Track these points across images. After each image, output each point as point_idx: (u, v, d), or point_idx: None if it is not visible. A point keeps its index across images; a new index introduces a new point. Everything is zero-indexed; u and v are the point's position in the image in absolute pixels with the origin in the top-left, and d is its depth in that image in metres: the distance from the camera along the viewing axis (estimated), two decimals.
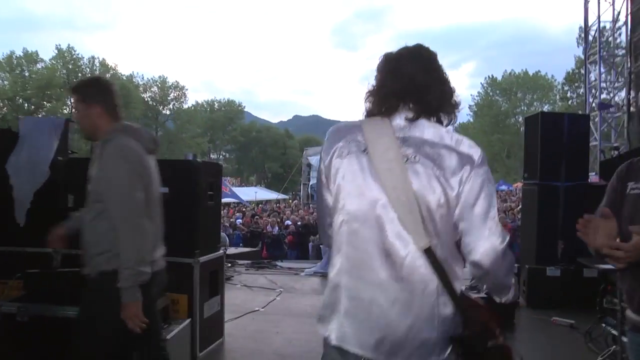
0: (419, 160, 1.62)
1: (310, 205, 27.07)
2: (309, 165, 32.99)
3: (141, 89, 63.64)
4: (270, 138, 73.30)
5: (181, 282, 4.29)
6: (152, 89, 65.06)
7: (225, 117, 72.10)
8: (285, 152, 71.20)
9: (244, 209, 27.99)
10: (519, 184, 45.27)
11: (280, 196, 45.52)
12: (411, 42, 1.81)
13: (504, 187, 45.48)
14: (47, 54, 59.48)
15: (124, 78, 60.62)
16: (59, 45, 57.16)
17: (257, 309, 5.93)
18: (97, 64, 59.16)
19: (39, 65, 55.46)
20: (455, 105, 1.77)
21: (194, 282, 4.26)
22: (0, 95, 51.13)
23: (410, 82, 1.70)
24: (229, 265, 8.48)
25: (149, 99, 64.64)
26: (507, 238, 1.67)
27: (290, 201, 39.79)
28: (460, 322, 1.64)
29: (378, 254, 1.63)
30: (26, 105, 54.00)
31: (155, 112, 65.36)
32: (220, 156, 77.90)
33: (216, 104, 73.66)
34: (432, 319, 1.60)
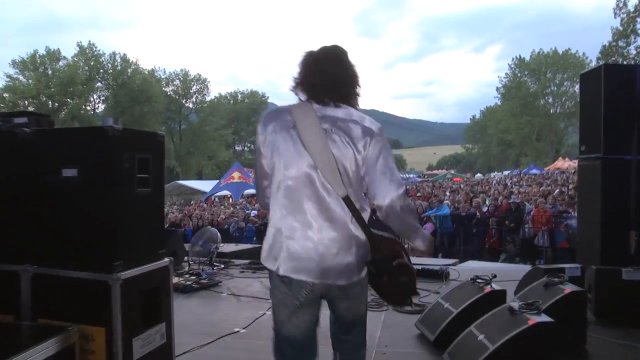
0: (335, 132, 2.21)
1: None
2: None
3: (163, 82, 62.88)
4: None
5: (96, 308, 2.90)
6: (174, 83, 64.38)
7: (249, 108, 71.03)
8: None
9: None
10: (551, 167, 43.38)
11: None
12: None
13: (535, 171, 43.30)
14: (69, 52, 59.47)
15: (146, 72, 59.87)
16: (80, 42, 56.68)
17: (235, 329, 4.48)
18: (119, 60, 58.58)
19: (61, 63, 55.41)
20: (358, 94, 2.35)
21: (113, 309, 2.84)
22: (25, 93, 51.21)
23: (328, 76, 2.27)
24: (222, 266, 7.07)
25: (171, 93, 63.90)
26: (404, 187, 2.29)
27: None
28: (371, 250, 2.23)
29: (310, 202, 2.19)
30: (50, 102, 53.83)
31: (178, 106, 64.65)
32: (246, 147, 76.98)
33: (239, 96, 72.61)
34: (351, 248, 2.20)
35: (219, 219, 16.78)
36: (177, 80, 64.43)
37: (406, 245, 2.62)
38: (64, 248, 3.03)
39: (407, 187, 27.92)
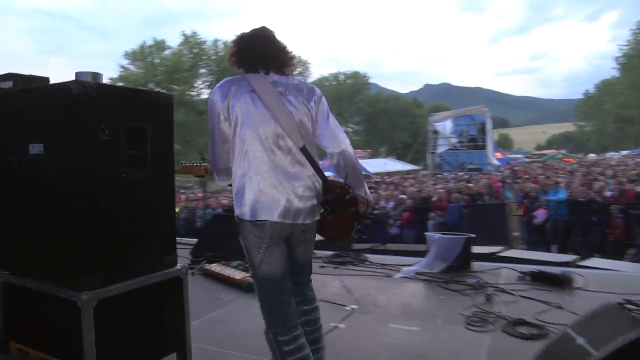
0: (289, 93, 2.54)
1: (437, 176, 24.11)
2: (435, 132, 29.82)
3: None
4: (399, 107, 70.12)
5: (64, 337, 2.11)
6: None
7: (351, 89, 69.97)
8: (414, 121, 67.76)
9: (369, 181, 25.67)
10: None
11: (411, 167, 42.96)
12: None
13: None
14: (175, 42, 61.81)
15: None
16: (184, 31, 58.62)
17: None
18: (221, 46, 59.75)
19: (167, 52, 57.56)
20: (294, 64, 2.72)
21: (84, 340, 2.00)
22: (134, 82, 54.06)
23: (269, 51, 2.59)
24: None
25: None
26: (348, 139, 2.70)
27: (421, 171, 36.81)
28: (326, 191, 2.56)
29: (274, 154, 2.45)
30: (157, 89, 56.02)
31: None
32: (349, 128, 76.35)
33: (341, 77, 71.75)
34: (313, 190, 2.52)
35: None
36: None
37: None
38: (34, 250, 2.25)
39: (515, 168, 25.78)
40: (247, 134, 2.44)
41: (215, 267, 5.57)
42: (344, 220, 2.62)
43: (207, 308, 4.52)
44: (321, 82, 67.73)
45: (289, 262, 2.57)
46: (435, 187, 15.30)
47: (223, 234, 6.39)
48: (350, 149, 2.63)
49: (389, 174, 35.55)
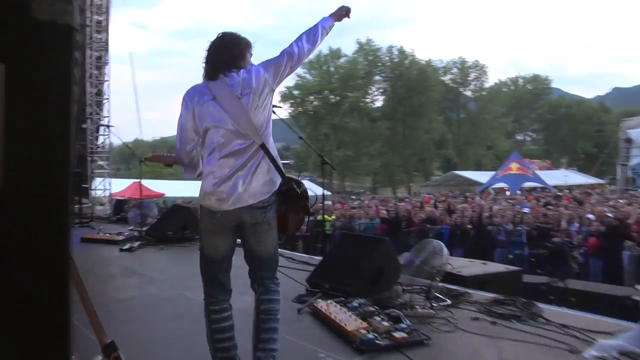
0: (244, 94, 2.80)
1: (630, 192, 20.35)
2: (629, 141, 25.22)
3: (440, 71, 61.08)
4: (582, 113, 63.09)
5: None
6: (451, 71, 62.03)
7: (531, 94, 64.70)
8: (601, 129, 60.41)
9: (546, 195, 22.66)
10: None
11: (595, 180, 38.09)
12: None
13: None
14: (350, 50, 62.53)
15: (422, 63, 58.95)
16: (359, 39, 58.85)
17: None
18: (395, 52, 58.89)
19: (342, 60, 58.18)
20: (246, 54, 2.95)
21: None
22: (309, 89, 55.57)
23: (220, 56, 2.88)
24: (447, 302, 4.56)
25: (448, 81, 61.76)
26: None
27: (608, 186, 32.16)
28: (281, 184, 2.83)
29: (236, 152, 2.76)
30: (332, 97, 57.10)
31: (455, 94, 62.23)
32: (527, 137, 70.75)
33: (520, 81, 66.65)
34: (269, 184, 2.81)
35: (483, 217, 13.95)
36: (455, 69, 61.87)
37: None
38: None
39: None
40: (212, 137, 2.82)
41: (327, 307, 4.21)
42: (296, 212, 2.92)
43: None
44: (499, 87, 63.53)
45: (245, 252, 2.94)
46: (631, 207, 12.46)
47: (351, 259, 5.03)
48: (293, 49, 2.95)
49: (570, 187, 31.73)
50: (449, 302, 4.52)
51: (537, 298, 6.02)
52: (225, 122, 2.76)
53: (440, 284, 4.77)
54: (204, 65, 2.93)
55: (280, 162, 2.86)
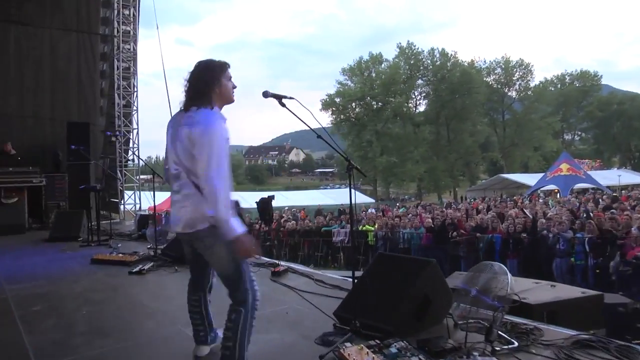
0: (183, 127, 2.91)
1: None
2: None
3: (484, 72, 59.12)
4: (636, 109, 59.62)
5: None
6: (495, 72, 59.98)
7: (579, 91, 61.78)
8: None
9: (600, 197, 20.96)
10: None
11: None
12: None
13: None
14: (391, 55, 61.42)
15: (465, 64, 57.17)
16: (400, 43, 57.76)
17: None
18: (437, 55, 57.43)
19: (383, 66, 57.32)
20: (209, 94, 2.97)
21: None
22: (352, 96, 54.78)
23: (187, 88, 3.03)
24: (514, 345, 3.52)
25: (492, 82, 59.69)
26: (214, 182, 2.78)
27: None
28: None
29: (175, 185, 3.05)
30: (374, 103, 56.21)
31: (500, 95, 60.09)
32: (576, 136, 67.69)
33: (567, 78, 63.79)
34: (202, 213, 2.85)
35: (539, 223, 12.58)
36: (498, 69, 59.71)
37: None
38: None
39: None
40: (165, 166, 3.23)
41: (357, 354, 3.20)
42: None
43: None
44: (544, 86, 60.95)
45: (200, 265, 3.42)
46: None
47: (389, 287, 4.03)
48: (210, 189, 2.81)
49: (625, 187, 29.74)
50: (515, 344, 3.45)
51: (621, 327, 4.88)
52: (168, 155, 3.12)
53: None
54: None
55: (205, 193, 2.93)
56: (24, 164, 11.13)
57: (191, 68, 3.03)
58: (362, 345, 3.30)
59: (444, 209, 19.64)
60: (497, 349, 3.35)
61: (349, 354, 3.20)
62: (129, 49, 13.77)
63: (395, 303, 3.82)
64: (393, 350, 3.26)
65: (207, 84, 2.96)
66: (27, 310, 4.72)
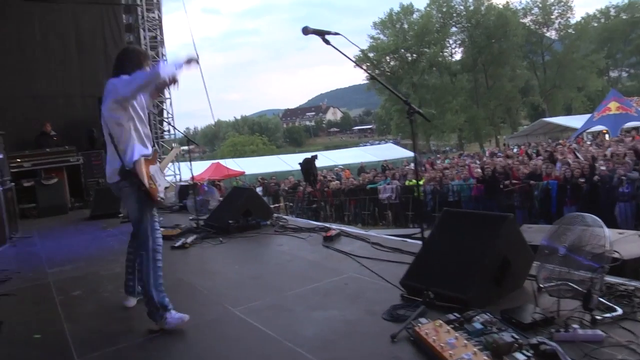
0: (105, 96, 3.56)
1: None
2: None
3: (520, 14, 56.27)
4: None
5: None
6: (532, 12, 56.93)
7: (626, 24, 58.02)
8: None
9: None
10: None
11: None
12: None
13: None
14: (422, 4, 59.09)
15: (500, 7, 54.55)
16: None
17: None
18: (471, 1, 54.81)
19: (415, 16, 55.28)
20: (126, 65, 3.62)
21: None
22: (384, 50, 53.32)
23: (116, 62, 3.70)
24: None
25: (530, 23, 56.81)
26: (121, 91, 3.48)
27: None
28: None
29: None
30: (408, 55, 54.59)
31: (539, 37, 57.27)
32: (623, 73, 64.24)
33: (612, 11, 60.04)
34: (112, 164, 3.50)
35: (594, 167, 11.75)
36: (535, 9, 56.74)
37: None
38: None
39: None
40: None
41: (435, 332, 2.74)
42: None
43: None
44: (586, 22, 57.57)
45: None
46: None
47: (461, 249, 3.53)
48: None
49: None
50: (619, 311, 2.93)
51: None
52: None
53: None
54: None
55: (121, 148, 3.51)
56: (61, 144, 10.98)
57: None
58: (439, 320, 2.83)
59: (492, 158, 18.75)
60: (598, 318, 2.83)
61: (426, 333, 2.74)
62: (154, 17, 13.34)
63: (470, 268, 3.32)
64: (477, 325, 2.78)
65: (123, 62, 3.71)
66: (67, 296, 4.50)
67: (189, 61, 3.50)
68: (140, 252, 3.47)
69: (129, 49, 3.91)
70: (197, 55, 3.59)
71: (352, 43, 3.12)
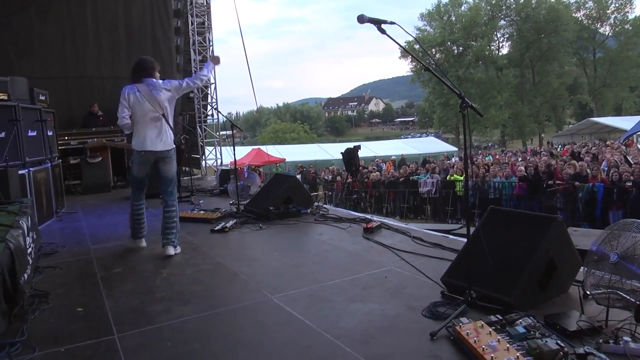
0: (155, 89, 4.96)
1: None
2: None
3: (573, 7, 54.39)
4: None
5: None
6: (586, 6, 54.94)
7: None
8: None
9: None
10: None
11: None
12: None
13: None
14: None
15: (552, 0, 52.79)
16: None
17: None
18: None
19: (463, 8, 54.49)
20: (155, 70, 5.14)
21: None
22: (431, 42, 52.46)
23: (141, 68, 5.05)
24: None
25: (582, 18, 54.87)
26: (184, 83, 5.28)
27: None
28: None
29: (151, 119, 4.97)
30: (454, 47, 53.62)
31: (591, 32, 55.26)
32: None
33: None
34: (169, 138, 5.10)
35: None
36: (590, 3, 54.70)
37: None
38: None
39: None
40: (138, 115, 4.98)
41: (476, 333, 2.66)
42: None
43: None
44: None
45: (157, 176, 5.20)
46: None
47: (506, 249, 3.43)
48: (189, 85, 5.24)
49: None
50: None
51: None
52: (144, 105, 4.97)
53: None
54: (131, 76, 5.11)
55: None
56: (107, 124, 11.24)
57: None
58: (481, 321, 2.77)
59: (535, 157, 18.29)
60: None
61: (467, 333, 2.69)
62: (202, 3, 13.41)
63: (515, 269, 3.24)
64: (520, 329, 2.71)
65: (152, 68, 5.16)
66: (108, 272, 4.60)
67: (216, 61, 5.56)
68: (174, 206, 5.13)
69: (147, 60, 5.17)
70: (218, 56, 5.62)
71: (408, 33, 3.04)
